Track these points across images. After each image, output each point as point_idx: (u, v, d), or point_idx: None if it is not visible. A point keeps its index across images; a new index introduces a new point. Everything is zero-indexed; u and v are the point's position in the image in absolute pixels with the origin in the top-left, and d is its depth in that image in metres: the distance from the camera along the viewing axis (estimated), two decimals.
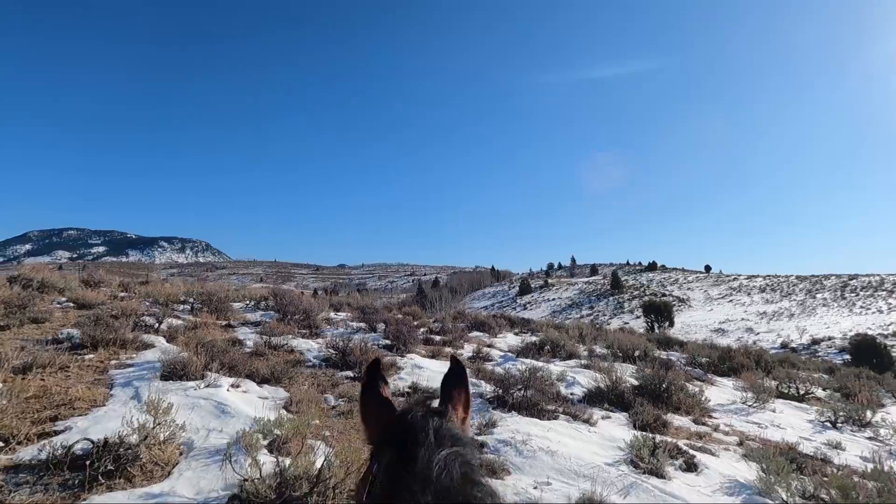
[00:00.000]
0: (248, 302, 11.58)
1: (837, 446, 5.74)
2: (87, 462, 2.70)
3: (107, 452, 2.87)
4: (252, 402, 4.50)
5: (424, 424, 0.84)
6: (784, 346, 35.62)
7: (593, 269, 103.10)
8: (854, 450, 5.75)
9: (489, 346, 9.82)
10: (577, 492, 3.44)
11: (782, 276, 67.99)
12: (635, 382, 7.01)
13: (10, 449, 3.04)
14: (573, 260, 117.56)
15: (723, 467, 4.28)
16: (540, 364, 7.76)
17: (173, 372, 4.92)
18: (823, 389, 9.91)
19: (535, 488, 3.48)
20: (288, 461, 2.91)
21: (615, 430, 5.14)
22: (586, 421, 5.29)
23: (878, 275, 58.60)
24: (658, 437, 4.55)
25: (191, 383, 4.72)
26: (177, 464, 3.14)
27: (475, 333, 11.45)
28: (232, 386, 4.93)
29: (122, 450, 2.92)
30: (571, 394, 6.64)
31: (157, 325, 7.38)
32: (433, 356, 8.03)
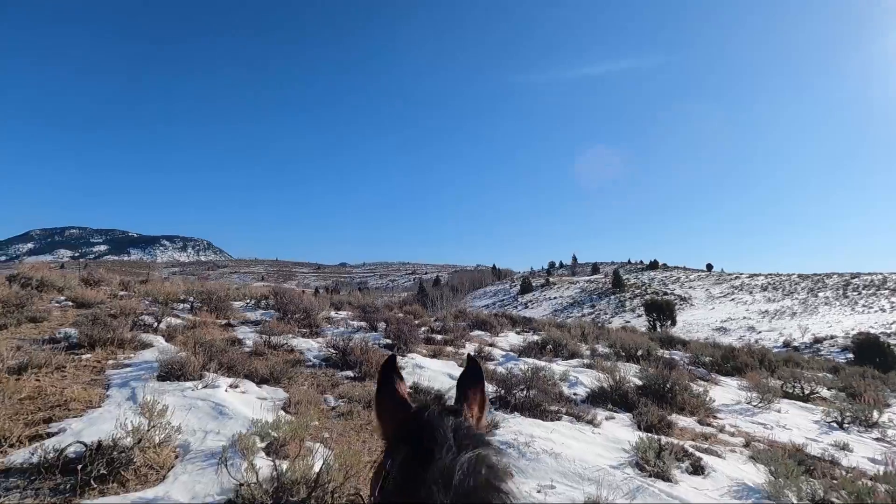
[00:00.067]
0: (248, 301, 11.52)
1: (845, 448, 5.65)
2: (79, 466, 2.62)
3: (100, 456, 2.80)
4: (250, 403, 4.42)
5: (441, 423, 0.83)
6: (786, 344, 35.50)
7: (595, 268, 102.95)
8: (862, 451, 5.66)
9: (491, 345, 9.74)
10: (582, 495, 3.36)
11: (784, 275, 67.77)
12: (639, 382, 6.93)
13: (1, 452, 2.97)
14: (574, 258, 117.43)
15: (730, 470, 4.19)
16: (542, 364, 7.69)
17: (171, 372, 4.85)
18: (828, 389, 9.82)
19: (539, 492, 3.40)
20: (285, 465, 2.83)
21: (619, 431, 5.06)
22: (590, 422, 5.21)
23: (881, 273, 58.38)
24: (664, 439, 4.47)
25: (188, 384, 4.65)
26: (172, 467, 3.06)
27: (477, 332, 11.37)
28: (230, 386, 4.86)
29: (115, 453, 2.85)
30: (574, 394, 6.56)
31: (155, 324, 7.31)
32: (434, 356, 7.95)
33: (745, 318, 48.88)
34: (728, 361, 10.99)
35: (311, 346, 7.30)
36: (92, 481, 2.67)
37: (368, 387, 5.70)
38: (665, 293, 61.23)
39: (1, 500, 2.51)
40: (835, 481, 4.11)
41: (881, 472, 4.11)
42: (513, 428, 4.60)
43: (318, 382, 5.64)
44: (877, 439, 6.40)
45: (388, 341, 8.19)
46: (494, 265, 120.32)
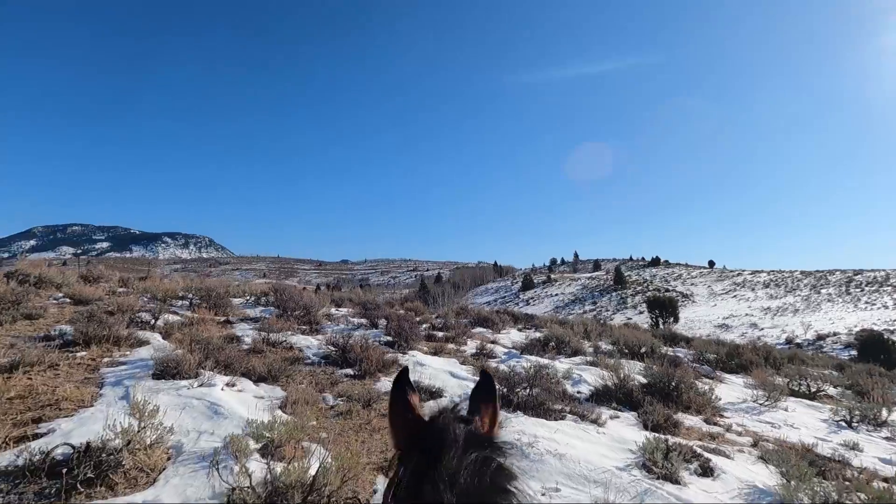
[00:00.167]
0: (248, 298, 11.42)
1: (855, 447, 5.53)
2: (64, 470, 2.52)
3: (88, 458, 2.69)
4: (247, 402, 4.32)
5: (452, 428, 0.86)
6: (789, 341, 35.34)
7: (596, 265, 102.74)
8: (872, 451, 5.54)
9: (493, 342, 9.63)
10: (588, 498, 3.25)
11: (786, 272, 67.51)
12: (643, 380, 6.81)
13: None
14: (576, 255, 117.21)
15: (739, 471, 4.07)
16: (545, 361, 7.58)
17: (166, 370, 4.74)
18: (834, 387, 9.70)
19: (543, 495, 3.29)
20: (280, 468, 2.72)
21: (624, 430, 4.94)
22: (594, 421, 5.10)
23: (884, 270, 58.11)
24: (671, 439, 4.35)
25: (184, 382, 4.54)
26: (164, 469, 2.96)
27: (478, 329, 11.26)
28: (227, 385, 4.75)
29: (104, 455, 2.74)
30: (578, 392, 6.45)
31: (153, 321, 7.21)
32: (436, 353, 7.85)
33: (747, 314, 48.71)
34: (733, 359, 10.86)
35: (310, 344, 7.20)
36: (78, 485, 2.56)
37: (368, 385, 5.60)
38: (667, 290, 61.06)
39: None
40: (847, 483, 3.99)
41: (895, 474, 3.99)
42: (516, 427, 4.49)
43: (317, 381, 5.54)
44: (887, 438, 6.28)
45: (389, 338, 8.08)
46: (496, 262, 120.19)
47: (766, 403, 7.31)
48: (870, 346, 22.79)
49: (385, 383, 5.75)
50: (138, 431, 2.92)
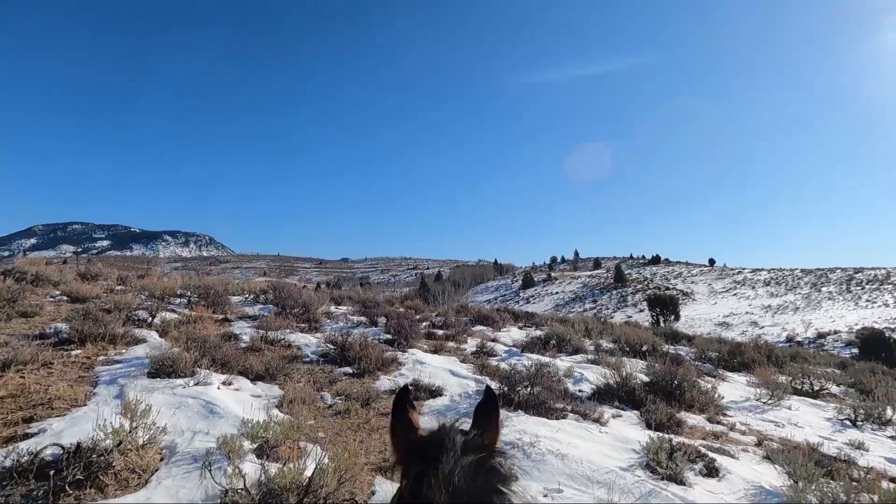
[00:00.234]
0: (247, 295, 11.35)
1: (860, 447, 5.45)
2: (52, 472, 2.44)
3: (77, 459, 2.61)
4: (243, 401, 4.24)
5: (451, 437, 0.89)
6: (789, 339, 35.26)
7: (596, 263, 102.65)
8: (878, 451, 5.47)
9: (493, 340, 9.55)
10: (592, 499, 3.18)
11: (787, 270, 67.40)
12: (646, 379, 6.73)
13: None
14: (576, 253, 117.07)
15: (744, 471, 4.00)
16: (546, 359, 7.50)
17: (161, 368, 4.67)
18: (837, 385, 9.63)
19: (546, 496, 3.22)
20: (275, 468, 2.65)
21: (627, 430, 4.87)
22: (596, 420, 5.03)
23: (884, 268, 57.99)
24: (675, 439, 4.28)
25: (179, 381, 4.47)
26: (156, 470, 2.88)
27: (479, 327, 11.19)
28: (223, 383, 4.68)
29: (94, 456, 2.66)
30: (580, 391, 6.37)
31: (150, 319, 7.14)
32: (436, 351, 7.77)
33: (747, 312, 48.63)
34: (735, 357, 10.78)
35: (309, 342, 7.12)
36: (67, 487, 2.49)
37: (367, 383, 5.53)
38: (667, 288, 60.98)
39: None
40: (855, 483, 3.92)
41: None
42: (517, 427, 4.41)
43: (315, 379, 5.46)
44: (892, 437, 6.19)
45: (389, 336, 8.01)
46: (496, 260, 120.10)
47: (770, 402, 7.24)
48: (871, 344, 22.73)
49: (384, 381, 5.68)
50: (130, 432, 2.85)
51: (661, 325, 30.03)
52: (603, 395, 6.17)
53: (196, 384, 4.44)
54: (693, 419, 5.79)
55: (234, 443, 2.74)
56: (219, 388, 4.49)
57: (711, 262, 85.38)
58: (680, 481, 3.54)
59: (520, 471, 3.54)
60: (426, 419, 4.66)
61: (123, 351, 5.54)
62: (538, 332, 10.74)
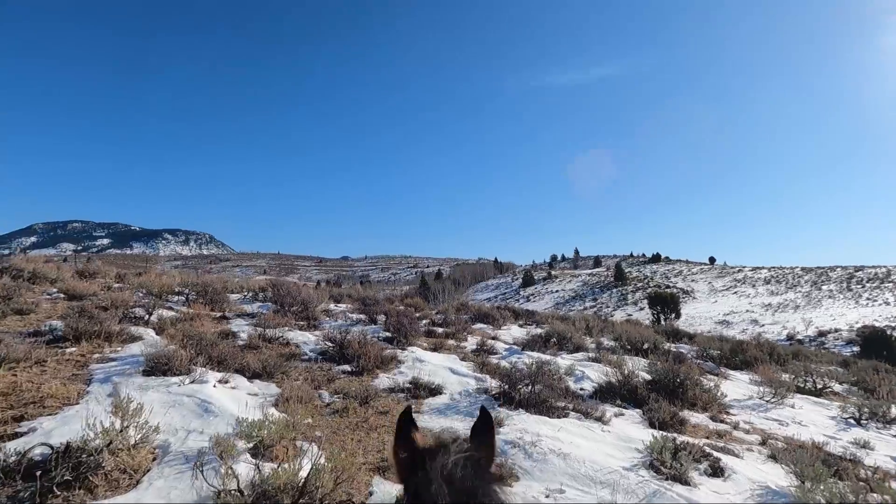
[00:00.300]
0: (246, 293, 11.28)
1: (865, 445, 5.38)
2: (38, 473, 2.36)
3: (66, 459, 2.54)
4: (239, 400, 4.17)
5: (449, 446, 0.97)
6: (790, 338, 35.17)
7: (597, 261, 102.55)
8: (884, 449, 5.39)
9: (493, 338, 9.48)
10: (595, 500, 3.11)
11: (787, 268, 67.28)
12: (648, 377, 6.66)
13: None
14: (577, 252, 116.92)
15: (750, 471, 3.92)
16: (547, 357, 7.42)
17: (157, 366, 4.59)
18: (840, 383, 9.56)
19: (548, 497, 3.14)
20: (269, 468, 2.57)
21: (630, 428, 4.80)
22: (599, 419, 4.95)
23: (885, 266, 57.86)
24: (679, 438, 4.20)
25: (174, 379, 4.39)
26: (148, 471, 2.81)
27: (479, 325, 11.11)
28: (220, 381, 4.61)
29: (83, 456, 2.59)
30: (581, 389, 6.30)
31: (147, 316, 7.07)
32: (436, 349, 7.70)
33: (748, 311, 48.55)
34: (737, 355, 10.71)
35: (307, 340, 7.05)
36: (55, 488, 2.42)
37: (366, 382, 5.46)
38: (667, 286, 60.88)
39: None
40: (862, 483, 3.85)
41: None
42: (518, 426, 4.34)
43: (313, 377, 5.39)
44: None
45: (388, 334, 7.93)
46: (496, 258, 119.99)
47: (773, 400, 7.17)
48: (873, 342, 22.66)
49: (383, 380, 5.61)
50: (121, 431, 2.77)
51: (662, 323, 29.96)
52: (605, 393, 6.10)
53: (191, 382, 4.37)
54: (696, 418, 5.71)
55: (228, 442, 2.66)
56: (215, 386, 4.42)
57: (712, 260, 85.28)
58: (685, 481, 3.47)
59: (521, 471, 3.46)
60: (426, 417, 4.59)
61: (119, 349, 5.47)
62: (539, 330, 10.67)
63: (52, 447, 2.64)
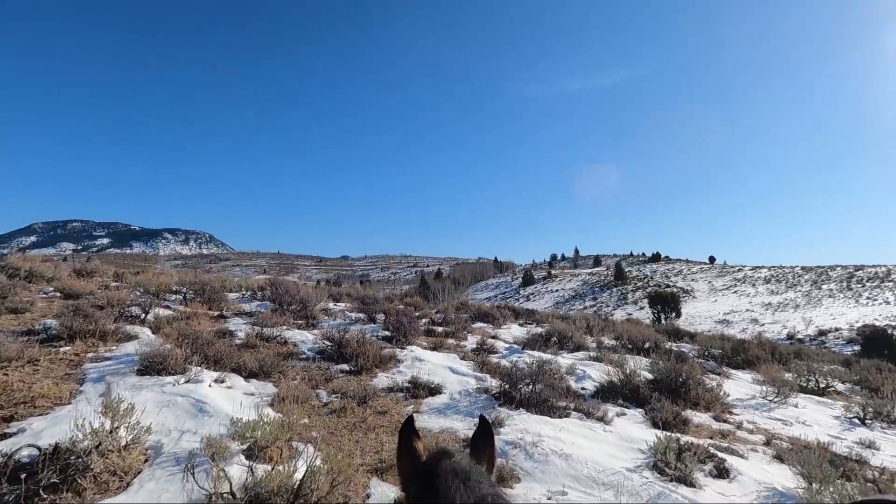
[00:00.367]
0: (244, 292, 11.21)
1: (871, 445, 5.31)
2: (24, 475, 2.29)
3: (54, 461, 2.46)
4: (235, 400, 4.09)
5: (450, 457, 0.96)
6: (790, 337, 35.11)
7: (597, 261, 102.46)
8: (889, 449, 5.32)
9: (494, 337, 9.40)
10: (598, 502, 3.03)
11: (787, 267, 67.23)
12: (650, 376, 6.58)
13: None
14: (576, 251, 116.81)
15: (755, 472, 3.85)
16: (548, 356, 7.34)
17: (151, 366, 4.51)
18: (843, 383, 9.49)
19: (549, 499, 3.07)
20: (263, 470, 2.49)
21: (632, 428, 4.72)
22: (600, 419, 4.87)
23: (885, 266, 57.82)
24: (683, 438, 4.12)
25: (169, 378, 4.31)
26: (139, 472, 2.73)
27: (479, 324, 11.04)
28: (215, 381, 4.53)
29: (72, 458, 2.51)
30: (582, 388, 6.22)
31: (143, 315, 6.99)
32: (435, 348, 7.62)
33: (748, 310, 48.49)
34: (738, 354, 10.64)
35: (305, 339, 6.97)
36: (41, 491, 2.34)
37: (364, 381, 5.38)
38: (667, 285, 60.81)
39: None
40: (870, 484, 3.77)
41: None
42: (518, 426, 4.26)
43: (311, 376, 5.31)
44: None
45: (387, 333, 7.85)
46: (496, 258, 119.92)
47: (776, 400, 7.09)
48: (873, 341, 22.61)
49: (382, 379, 5.53)
50: (111, 432, 2.69)
51: (663, 322, 29.90)
52: (606, 392, 6.03)
53: (186, 382, 4.29)
54: (699, 417, 5.64)
55: (220, 444, 2.59)
56: (210, 385, 4.34)
57: (712, 259, 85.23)
58: (690, 483, 3.39)
59: (522, 472, 3.39)
60: (425, 417, 4.51)
61: (114, 348, 5.38)
62: (539, 329, 10.59)
63: (39, 448, 2.56)
